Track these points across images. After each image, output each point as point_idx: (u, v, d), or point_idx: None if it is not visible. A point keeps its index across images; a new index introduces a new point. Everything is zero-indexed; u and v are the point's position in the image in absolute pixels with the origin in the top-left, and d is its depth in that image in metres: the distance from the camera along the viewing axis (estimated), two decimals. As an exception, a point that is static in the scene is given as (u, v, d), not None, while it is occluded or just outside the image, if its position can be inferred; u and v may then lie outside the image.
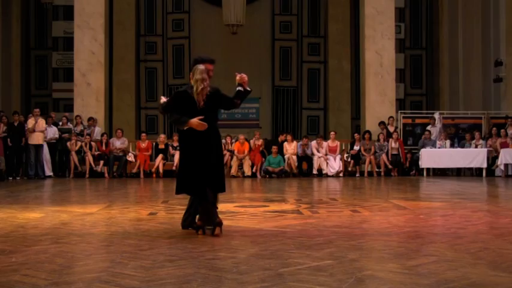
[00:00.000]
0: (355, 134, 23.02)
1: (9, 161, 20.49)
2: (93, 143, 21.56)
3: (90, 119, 22.37)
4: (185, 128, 7.22)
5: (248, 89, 7.52)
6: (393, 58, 23.54)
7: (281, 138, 22.51)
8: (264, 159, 21.38)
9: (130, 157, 21.73)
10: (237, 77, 7.48)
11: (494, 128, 22.09)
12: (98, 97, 22.99)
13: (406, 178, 20.70)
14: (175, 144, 21.73)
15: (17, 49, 28.90)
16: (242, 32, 26.57)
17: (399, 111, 24.34)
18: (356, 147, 22.05)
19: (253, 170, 21.35)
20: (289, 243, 6.53)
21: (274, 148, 21.31)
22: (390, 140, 22.04)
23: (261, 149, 21.73)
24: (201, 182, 7.20)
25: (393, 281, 4.68)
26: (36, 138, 20.44)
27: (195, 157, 7.23)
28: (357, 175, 21.65)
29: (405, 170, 22.19)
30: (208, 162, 7.23)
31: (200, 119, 7.11)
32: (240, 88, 7.47)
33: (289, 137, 22.22)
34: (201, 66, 7.30)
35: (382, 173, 21.66)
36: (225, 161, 21.42)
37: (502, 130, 21.79)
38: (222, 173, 7.48)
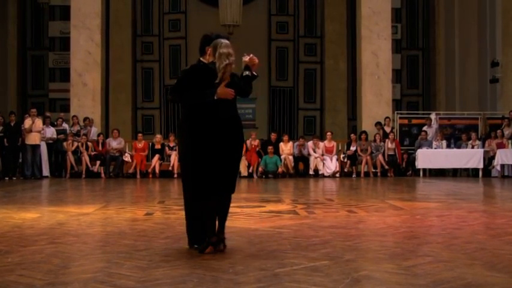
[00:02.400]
0: (352, 135, 23.05)
1: (5, 161, 20.48)
2: (89, 143, 21.54)
3: (85, 119, 22.36)
4: (215, 98, 5.97)
5: (255, 73, 6.33)
6: (389, 59, 23.56)
7: (273, 137, 22.48)
8: (260, 159, 21.38)
9: (126, 157, 21.74)
10: (246, 58, 6.29)
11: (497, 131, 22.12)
12: (94, 97, 22.97)
13: (403, 178, 20.73)
14: (172, 144, 21.72)
15: (13, 49, 28.89)
16: (238, 32, 26.49)
17: (395, 112, 24.37)
18: (352, 148, 22.05)
19: (250, 171, 21.35)
20: (285, 243, 6.53)
21: (270, 148, 21.32)
22: (386, 140, 22.05)
23: (257, 149, 21.73)
24: (221, 184, 6.01)
25: (389, 282, 4.68)
26: (33, 138, 20.42)
27: (215, 152, 5.94)
28: (353, 175, 21.66)
29: (401, 170, 22.22)
30: (231, 161, 6.07)
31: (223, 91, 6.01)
32: (247, 73, 6.27)
33: (285, 138, 22.24)
34: (226, 40, 6.21)
35: (379, 174, 21.67)
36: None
37: (499, 131, 21.79)
38: (236, 172, 6.33)
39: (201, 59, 6.41)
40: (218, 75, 6.06)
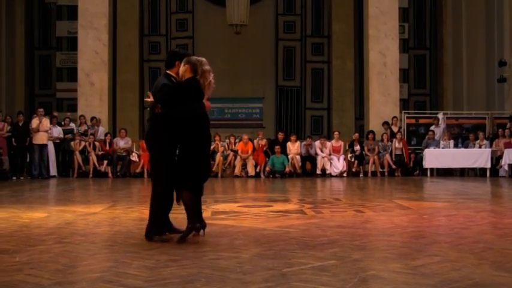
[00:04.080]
0: (355, 134, 22.98)
1: (13, 160, 20.52)
2: (96, 143, 21.57)
3: (93, 118, 22.39)
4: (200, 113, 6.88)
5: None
6: (397, 58, 23.53)
7: (280, 136, 22.45)
8: (267, 159, 21.37)
9: (133, 157, 21.76)
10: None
11: (500, 130, 22.08)
12: (101, 97, 23.01)
13: (410, 178, 20.69)
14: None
15: (20, 49, 28.95)
16: (246, 32, 26.55)
17: (403, 111, 24.32)
18: (355, 147, 21.99)
19: (257, 170, 21.35)
20: (292, 243, 6.53)
21: (277, 148, 21.31)
22: (394, 140, 22.02)
23: (264, 149, 21.73)
24: (205, 177, 7.05)
25: (397, 281, 4.68)
26: (40, 138, 20.45)
27: (204, 151, 6.97)
28: (360, 175, 21.63)
29: (409, 170, 22.17)
30: (208, 158, 7.24)
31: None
32: None
33: (292, 137, 22.23)
34: (203, 58, 7.00)
35: (386, 173, 21.64)
36: (228, 161, 21.49)
37: (506, 130, 21.73)
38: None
39: (168, 71, 7.06)
40: (206, 91, 6.90)
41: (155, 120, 6.96)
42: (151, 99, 6.97)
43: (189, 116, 6.77)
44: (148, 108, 7.13)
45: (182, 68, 6.87)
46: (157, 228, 6.93)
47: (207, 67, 6.87)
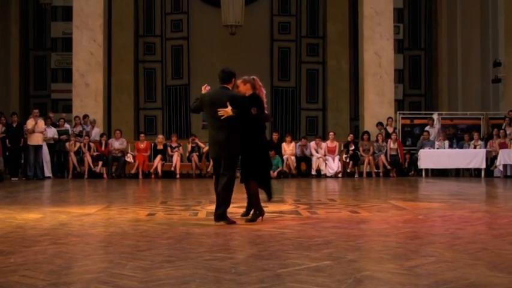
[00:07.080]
0: (350, 135, 22.97)
1: (8, 162, 20.48)
2: (92, 144, 21.55)
3: (85, 116, 22.36)
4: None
5: None
6: (392, 59, 23.55)
7: (275, 136, 22.43)
8: (262, 159, 21.30)
9: (129, 158, 21.74)
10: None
11: (495, 130, 22.12)
12: (96, 98, 23.00)
13: (405, 179, 20.72)
14: (174, 144, 21.73)
15: (15, 50, 28.88)
16: (241, 32, 26.52)
17: (398, 112, 24.35)
18: (350, 148, 22.00)
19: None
20: (287, 243, 6.53)
21: (272, 153, 21.24)
22: (389, 140, 22.04)
23: (259, 149, 21.66)
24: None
25: (392, 282, 4.68)
26: (35, 139, 20.41)
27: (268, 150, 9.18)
28: (355, 176, 21.65)
29: (404, 170, 22.20)
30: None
31: None
32: None
33: (288, 138, 22.23)
34: (254, 76, 8.84)
35: (381, 174, 21.66)
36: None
37: (502, 131, 21.76)
38: None
39: (226, 85, 8.40)
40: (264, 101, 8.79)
41: (235, 127, 8.31)
42: (229, 108, 8.08)
43: (265, 123, 8.89)
44: (222, 117, 8.11)
45: (244, 87, 8.57)
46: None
47: (260, 82, 8.82)
